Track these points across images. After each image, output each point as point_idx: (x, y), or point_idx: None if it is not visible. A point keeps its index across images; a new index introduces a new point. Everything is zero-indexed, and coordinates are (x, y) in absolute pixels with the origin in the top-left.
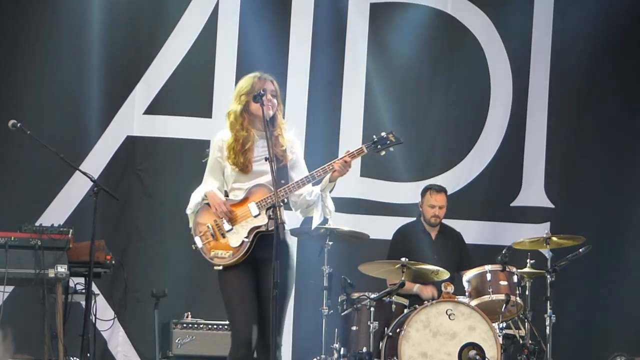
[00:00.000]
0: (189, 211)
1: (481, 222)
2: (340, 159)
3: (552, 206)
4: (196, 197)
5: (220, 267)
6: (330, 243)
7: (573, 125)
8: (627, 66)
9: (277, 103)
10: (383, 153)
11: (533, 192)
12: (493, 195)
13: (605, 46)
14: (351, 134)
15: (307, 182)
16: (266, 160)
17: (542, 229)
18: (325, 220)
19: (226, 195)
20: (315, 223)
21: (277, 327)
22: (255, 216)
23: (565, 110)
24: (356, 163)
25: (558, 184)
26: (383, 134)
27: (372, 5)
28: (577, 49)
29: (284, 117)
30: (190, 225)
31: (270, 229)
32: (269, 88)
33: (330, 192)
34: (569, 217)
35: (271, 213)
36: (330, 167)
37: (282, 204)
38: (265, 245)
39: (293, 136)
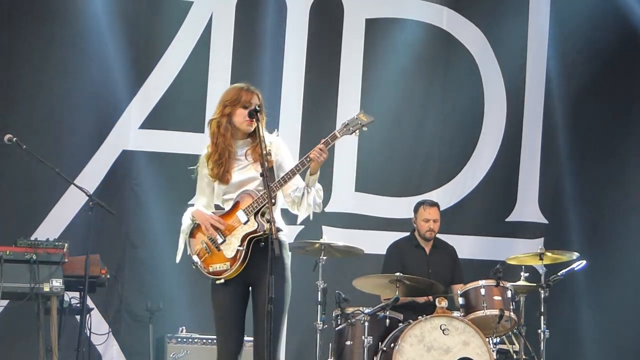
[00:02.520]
0: (182, 234)
1: (476, 237)
2: (315, 148)
3: (546, 222)
4: (186, 219)
5: (222, 281)
6: (325, 258)
7: (567, 141)
8: (621, 84)
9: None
10: (357, 134)
11: (527, 207)
12: (488, 210)
13: (599, 64)
14: (346, 152)
15: (288, 179)
16: (261, 176)
17: (536, 245)
18: (307, 219)
19: (221, 208)
20: (300, 218)
21: (274, 341)
22: (245, 223)
23: (560, 126)
24: (351, 178)
25: (552, 200)
26: (354, 115)
27: (368, 20)
28: (571, 66)
29: (277, 129)
30: (181, 244)
31: (257, 228)
32: (254, 102)
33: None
34: (562, 233)
35: (265, 225)
36: (307, 159)
37: (273, 204)
38: (259, 258)
39: (276, 139)
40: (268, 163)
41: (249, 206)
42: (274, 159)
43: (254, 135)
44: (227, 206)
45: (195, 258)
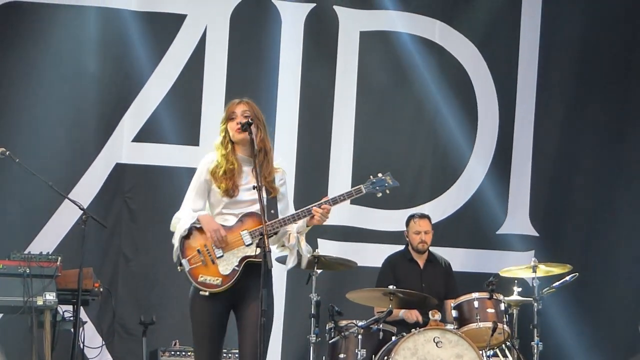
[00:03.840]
0: (177, 233)
1: (467, 250)
2: (320, 204)
3: (537, 234)
4: (186, 220)
5: (207, 293)
6: (319, 271)
7: (558, 154)
8: (612, 94)
9: (257, 129)
10: (380, 195)
11: (518, 220)
12: (479, 223)
13: (590, 75)
14: (341, 163)
15: (298, 219)
16: (254, 189)
17: (527, 257)
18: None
19: None
20: (289, 266)
21: (264, 353)
22: (248, 245)
23: (551, 138)
24: (346, 190)
25: (543, 213)
26: (380, 175)
27: (362, 33)
28: (562, 80)
29: (273, 144)
30: (176, 245)
31: (258, 255)
32: (238, 110)
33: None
34: (553, 246)
35: (258, 241)
36: (309, 212)
37: (274, 234)
38: (247, 273)
39: (284, 168)
40: (273, 191)
41: (256, 229)
42: (278, 188)
43: (260, 154)
44: (225, 220)
45: (184, 262)
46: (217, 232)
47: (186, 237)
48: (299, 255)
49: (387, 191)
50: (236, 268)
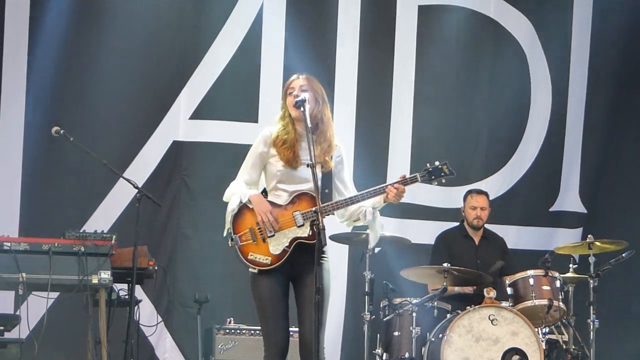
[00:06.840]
0: (229, 209)
1: (519, 227)
2: (393, 184)
3: (585, 211)
4: (238, 196)
5: (256, 271)
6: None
7: (609, 132)
8: None
9: (315, 102)
10: (435, 184)
11: (570, 197)
12: (532, 200)
13: None
14: (399, 141)
15: (357, 201)
16: (308, 167)
17: (575, 235)
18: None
19: (264, 193)
20: (372, 244)
21: (320, 331)
22: (299, 226)
23: (602, 115)
24: (404, 168)
25: (592, 190)
26: (437, 163)
27: (420, 7)
28: (613, 57)
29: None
30: (228, 220)
31: (309, 235)
32: (296, 85)
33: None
34: (601, 223)
35: (314, 219)
36: (382, 190)
37: (327, 215)
38: (302, 250)
39: (341, 145)
40: (328, 166)
41: (308, 211)
42: (333, 164)
43: (317, 130)
44: (277, 196)
45: (235, 238)
46: (267, 215)
47: (238, 213)
48: (380, 228)
49: (444, 180)
50: (286, 248)
